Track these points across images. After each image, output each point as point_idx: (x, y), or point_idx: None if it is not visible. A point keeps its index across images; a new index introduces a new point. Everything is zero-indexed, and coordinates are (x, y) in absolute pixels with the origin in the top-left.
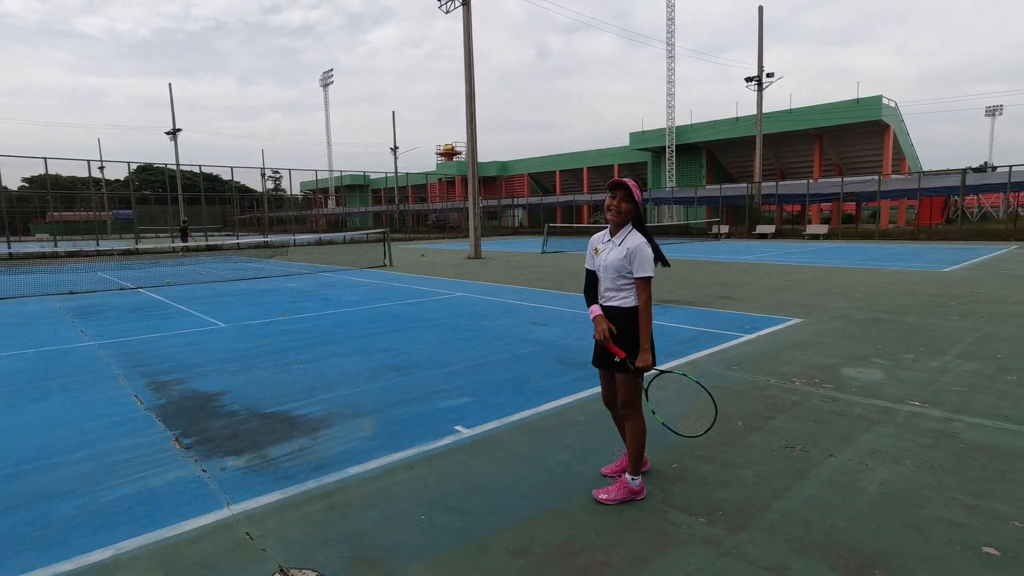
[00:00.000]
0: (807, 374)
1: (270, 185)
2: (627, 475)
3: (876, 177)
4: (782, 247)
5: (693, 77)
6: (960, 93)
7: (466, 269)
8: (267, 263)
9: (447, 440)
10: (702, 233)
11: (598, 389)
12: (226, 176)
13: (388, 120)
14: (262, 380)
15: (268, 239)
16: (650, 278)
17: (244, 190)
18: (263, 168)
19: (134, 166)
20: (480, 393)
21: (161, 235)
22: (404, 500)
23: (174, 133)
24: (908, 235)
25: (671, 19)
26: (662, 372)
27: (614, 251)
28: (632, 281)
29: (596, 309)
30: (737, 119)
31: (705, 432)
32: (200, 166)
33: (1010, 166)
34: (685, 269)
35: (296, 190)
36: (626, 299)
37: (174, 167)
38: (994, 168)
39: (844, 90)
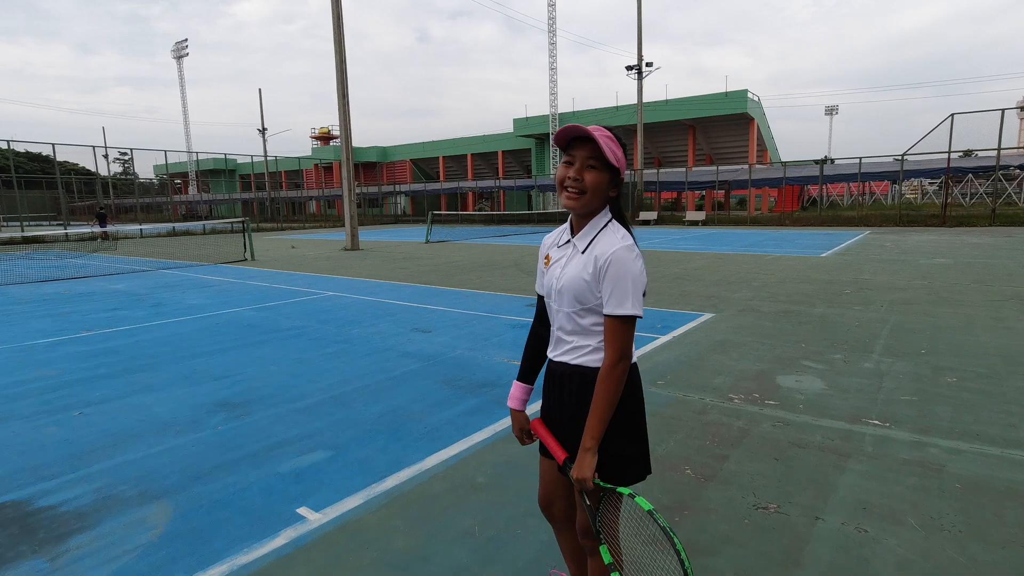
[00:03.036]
0: (743, 387)
1: (117, 168)
2: None
3: (747, 166)
4: (666, 233)
5: (573, 69)
6: (802, 93)
7: (341, 262)
8: (94, 259)
9: (283, 538)
10: None
11: (498, 426)
12: (55, 156)
13: (255, 101)
14: (13, 439)
15: (106, 229)
16: (634, 319)
17: (84, 173)
18: (104, 147)
19: None
20: (340, 442)
21: None
22: None
23: None
24: (775, 221)
25: (552, 5)
26: (603, 489)
27: (574, 261)
28: (602, 320)
29: (516, 389)
30: (617, 108)
31: None
32: (9, 141)
33: (860, 158)
34: None
35: (150, 174)
36: (590, 352)
37: None
38: (833, 161)
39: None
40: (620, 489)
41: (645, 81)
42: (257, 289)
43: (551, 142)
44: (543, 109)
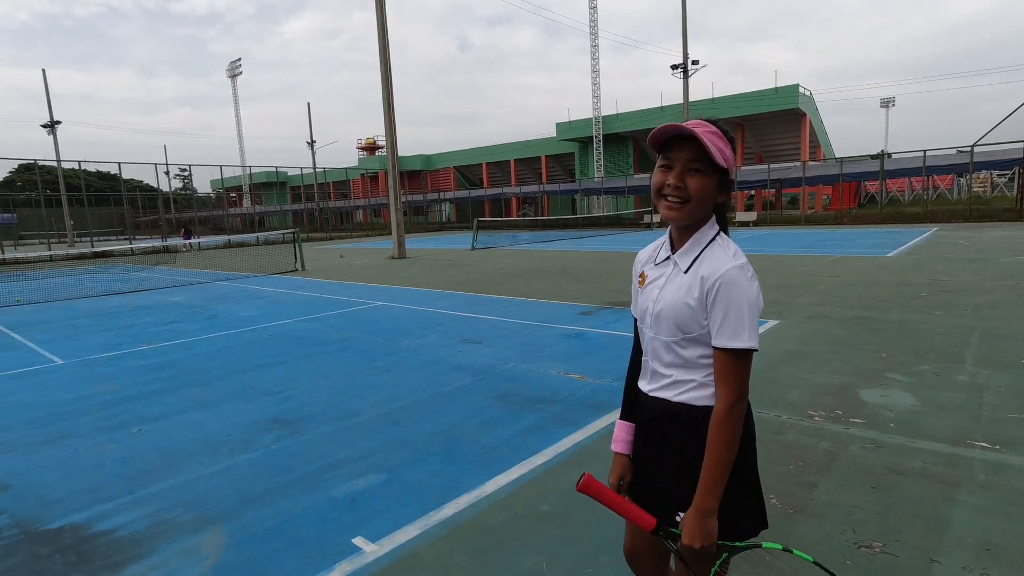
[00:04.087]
0: (823, 402)
1: (178, 184)
2: None
3: (799, 163)
4: None
5: (614, 71)
6: (855, 85)
7: (388, 271)
8: (155, 271)
9: (337, 572)
10: (633, 223)
11: (559, 447)
12: (121, 174)
13: (304, 114)
14: (73, 459)
15: (167, 243)
16: (750, 352)
17: (147, 189)
18: (165, 164)
19: (14, 164)
20: (395, 464)
21: (46, 242)
22: None
23: (52, 126)
24: (832, 219)
25: (593, 6)
26: (734, 549)
27: (676, 282)
28: (709, 352)
29: (620, 430)
30: (663, 108)
31: None
32: (80, 162)
33: (924, 151)
34: (627, 263)
35: (207, 189)
36: (702, 388)
37: (54, 164)
38: (890, 155)
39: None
40: (768, 545)
41: (690, 80)
42: (307, 300)
43: (595, 145)
44: (585, 112)
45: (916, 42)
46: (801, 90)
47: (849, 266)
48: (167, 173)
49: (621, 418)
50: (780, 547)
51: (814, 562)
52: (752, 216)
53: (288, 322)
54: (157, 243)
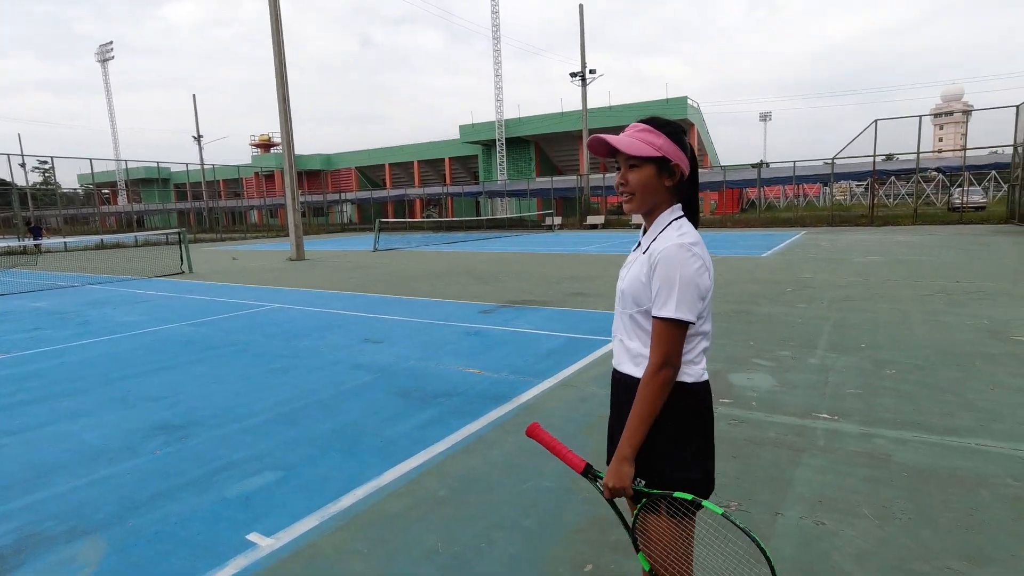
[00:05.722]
0: None
1: (37, 178)
2: None
3: None
4: (614, 237)
5: (517, 76)
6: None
7: (286, 274)
8: (10, 275)
9: (232, 567)
10: (536, 225)
11: (457, 436)
12: None
13: (190, 108)
14: None
15: (25, 243)
16: (678, 323)
17: None
18: (20, 155)
19: None
20: (291, 462)
21: None
22: None
23: None
24: (717, 223)
25: (496, 12)
26: (644, 495)
27: (638, 262)
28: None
29: None
30: (563, 114)
31: None
32: None
33: (794, 162)
34: (529, 264)
35: (74, 184)
36: (641, 362)
37: None
38: (768, 165)
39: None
40: (679, 494)
41: (588, 88)
42: (196, 303)
43: (497, 148)
44: (489, 115)
45: (792, 64)
46: (689, 102)
47: (730, 265)
48: (22, 165)
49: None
50: (690, 497)
51: (723, 514)
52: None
53: (175, 326)
54: (13, 243)
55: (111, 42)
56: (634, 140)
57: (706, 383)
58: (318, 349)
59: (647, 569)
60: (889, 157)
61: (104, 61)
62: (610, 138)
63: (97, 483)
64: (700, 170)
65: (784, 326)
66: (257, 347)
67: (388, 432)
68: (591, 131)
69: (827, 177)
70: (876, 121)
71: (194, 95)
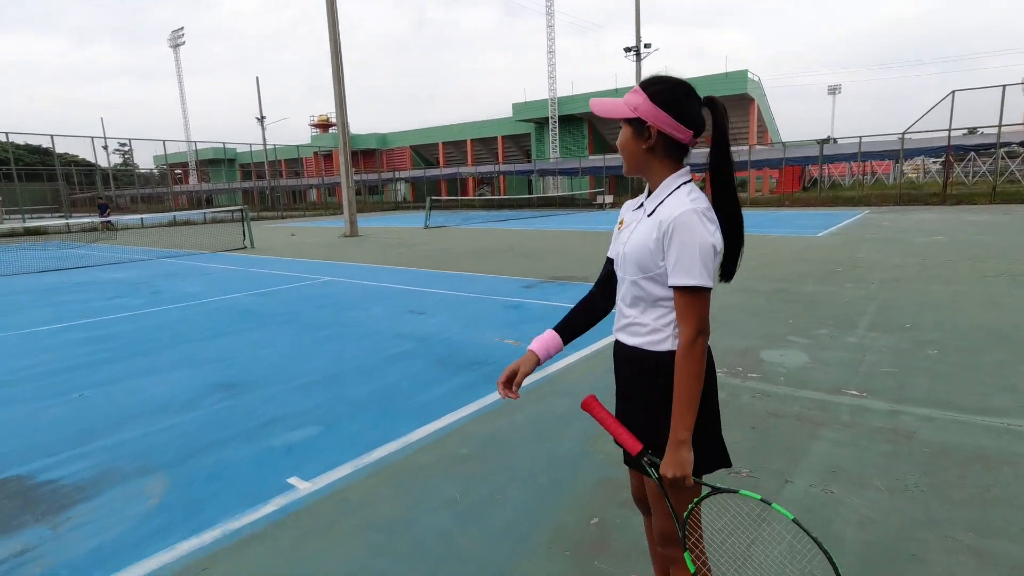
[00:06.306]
0: (727, 361)
1: (117, 159)
2: None
3: (746, 147)
4: None
5: (572, 53)
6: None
7: (339, 249)
8: (95, 249)
9: (273, 505)
10: (587, 204)
11: (485, 400)
12: (55, 147)
13: (253, 89)
14: (14, 421)
15: (110, 219)
16: (700, 290)
17: (83, 164)
18: (102, 138)
19: None
20: (332, 418)
21: None
22: None
23: None
24: (775, 202)
25: None
26: (715, 490)
27: (643, 225)
28: (664, 293)
29: (546, 335)
30: (617, 91)
31: None
32: (7, 133)
33: (860, 137)
34: (575, 241)
35: (150, 164)
36: (653, 333)
37: None
38: (835, 140)
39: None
40: (745, 493)
41: (644, 63)
42: (255, 276)
43: (550, 126)
44: (542, 93)
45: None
46: (750, 76)
47: (780, 245)
48: (105, 147)
49: (554, 327)
50: (759, 497)
51: (793, 520)
52: None
53: (235, 296)
54: (96, 219)
55: (182, 28)
56: (613, 101)
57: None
58: (363, 320)
59: (693, 572)
60: (972, 131)
61: (176, 47)
62: (594, 101)
63: (163, 430)
64: (759, 147)
65: (827, 305)
66: (307, 317)
67: (422, 396)
68: None
69: (894, 154)
70: (953, 92)
71: (257, 78)
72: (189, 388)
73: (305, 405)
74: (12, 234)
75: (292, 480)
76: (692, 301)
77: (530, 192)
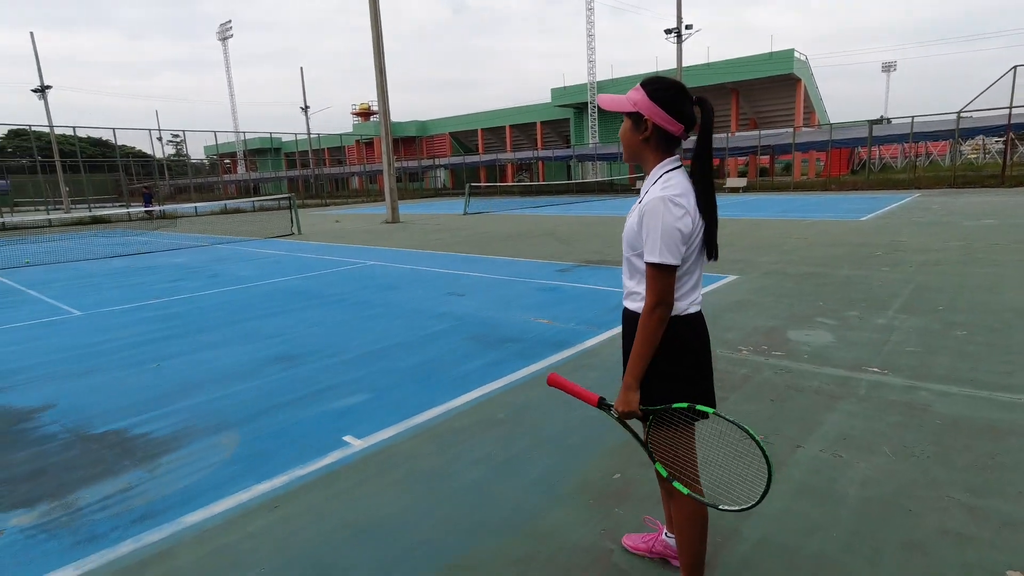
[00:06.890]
0: (753, 340)
1: (170, 150)
2: None
3: (790, 130)
4: None
5: (611, 35)
6: (856, 49)
7: (381, 235)
8: (156, 236)
9: (331, 458)
10: (626, 189)
11: (519, 374)
12: (115, 140)
13: (297, 79)
14: (104, 386)
15: (163, 208)
16: (665, 267)
17: (140, 156)
18: (158, 130)
19: (4, 130)
20: (379, 387)
21: (41, 208)
22: (253, 564)
23: (43, 90)
24: (820, 186)
25: None
26: (651, 412)
27: (636, 210)
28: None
29: None
30: (657, 73)
31: (762, 497)
32: (74, 127)
33: (912, 117)
34: (612, 226)
35: (200, 155)
36: (635, 298)
37: (46, 129)
38: (889, 121)
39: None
40: (677, 405)
41: (686, 44)
42: (303, 260)
43: (590, 111)
44: (581, 78)
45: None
46: (796, 55)
47: (819, 229)
48: (160, 139)
49: None
50: (685, 405)
51: (715, 413)
52: (742, 182)
53: (285, 279)
54: (155, 209)
55: (230, 21)
56: (617, 97)
57: (690, 316)
58: (405, 301)
59: (664, 475)
60: None
61: (224, 39)
62: (601, 96)
63: (231, 395)
64: (806, 129)
65: (860, 288)
66: (353, 297)
67: (460, 368)
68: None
69: (949, 134)
70: (1015, 67)
71: (301, 68)
72: (251, 360)
73: (355, 375)
74: (80, 222)
75: (347, 438)
76: (655, 275)
77: (569, 178)
